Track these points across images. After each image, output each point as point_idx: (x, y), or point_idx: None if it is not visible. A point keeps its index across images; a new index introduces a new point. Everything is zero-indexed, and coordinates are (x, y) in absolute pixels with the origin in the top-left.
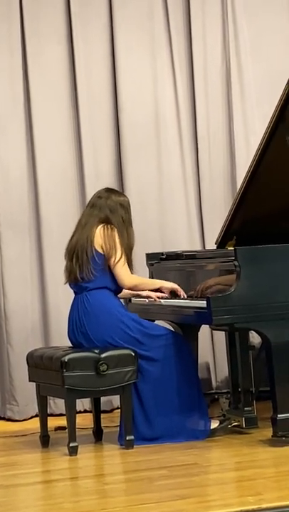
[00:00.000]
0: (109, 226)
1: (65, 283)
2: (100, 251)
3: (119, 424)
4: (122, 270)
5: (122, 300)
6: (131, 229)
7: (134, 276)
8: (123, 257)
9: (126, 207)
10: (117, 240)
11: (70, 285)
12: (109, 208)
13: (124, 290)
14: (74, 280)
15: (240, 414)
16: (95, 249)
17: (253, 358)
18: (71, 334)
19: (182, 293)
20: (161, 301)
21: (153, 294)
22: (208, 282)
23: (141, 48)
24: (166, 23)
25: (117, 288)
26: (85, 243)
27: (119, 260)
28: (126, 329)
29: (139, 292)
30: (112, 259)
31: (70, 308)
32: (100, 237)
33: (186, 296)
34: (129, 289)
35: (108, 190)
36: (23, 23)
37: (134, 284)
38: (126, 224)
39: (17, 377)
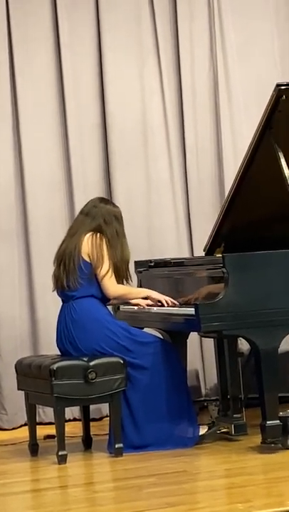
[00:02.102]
0: (97, 235)
1: (53, 290)
2: (87, 259)
3: (108, 432)
4: (107, 280)
5: (110, 308)
6: (125, 241)
7: (119, 287)
8: (109, 266)
9: (119, 218)
10: (105, 249)
11: (57, 292)
12: (104, 219)
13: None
14: (61, 287)
15: (229, 421)
16: (82, 258)
17: (241, 365)
18: (59, 343)
19: (169, 303)
20: (153, 308)
21: (142, 302)
22: (201, 292)
23: (128, 56)
24: (154, 30)
25: (103, 296)
26: (73, 251)
27: (105, 270)
28: (114, 337)
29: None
30: (99, 269)
31: (57, 317)
32: (87, 245)
33: (174, 304)
34: (115, 299)
35: (102, 199)
36: (10, 31)
37: (120, 294)
38: (120, 236)
39: (6, 385)
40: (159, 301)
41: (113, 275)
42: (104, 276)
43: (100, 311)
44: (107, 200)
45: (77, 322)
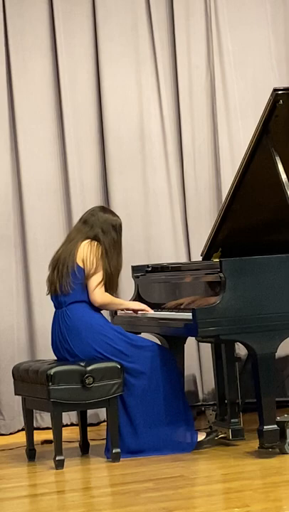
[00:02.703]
0: (94, 243)
1: (47, 294)
2: (81, 265)
3: (105, 437)
4: (98, 289)
5: (105, 312)
6: (120, 252)
7: (106, 295)
8: (101, 274)
9: (118, 229)
10: (99, 257)
11: (51, 297)
12: (102, 228)
13: None
14: (54, 292)
15: (226, 426)
16: (77, 263)
17: (239, 370)
18: (55, 350)
19: (149, 310)
20: (149, 312)
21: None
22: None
23: (125, 63)
24: (151, 37)
25: None
26: (68, 257)
27: (97, 279)
28: (109, 341)
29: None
30: (91, 276)
31: (51, 324)
32: (82, 251)
33: (151, 311)
34: (99, 306)
35: (102, 208)
36: (7, 38)
37: (106, 303)
38: (116, 246)
39: (3, 390)
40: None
41: (102, 282)
42: (95, 284)
43: (94, 316)
44: (106, 209)
45: (71, 329)
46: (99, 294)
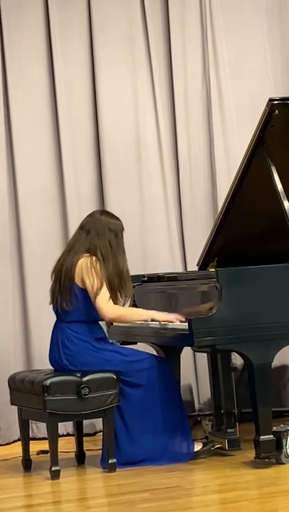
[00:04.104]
0: (92, 259)
1: (50, 303)
2: (80, 285)
3: (101, 447)
4: (102, 304)
5: (103, 324)
6: (120, 255)
7: (117, 307)
8: (104, 289)
9: (115, 231)
10: (99, 273)
11: (53, 308)
12: (97, 231)
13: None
14: (56, 303)
15: (222, 436)
16: (75, 283)
17: (235, 380)
18: (52, 360)
19: (181, 319)
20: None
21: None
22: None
23: (121, 72)
24: (147, 46)
25: (96, 318)
26: (68, 272)
27: (102, 295)
28: (107, 365)
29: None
30: (93, 293)
31: (51, 335)
32: (80, 271)
33: (182, 320)
34: (112, 321)
35: (102, 212)
36: (3, 46)
37: (117, 316)
38: (113, 249)
39: None
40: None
41: (108, 296)
42: (102, 302)
43: (90, 338)
44: (105, 212)
45: (69, 350)
46: (105, 309)
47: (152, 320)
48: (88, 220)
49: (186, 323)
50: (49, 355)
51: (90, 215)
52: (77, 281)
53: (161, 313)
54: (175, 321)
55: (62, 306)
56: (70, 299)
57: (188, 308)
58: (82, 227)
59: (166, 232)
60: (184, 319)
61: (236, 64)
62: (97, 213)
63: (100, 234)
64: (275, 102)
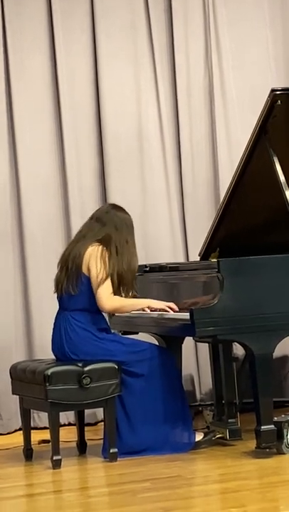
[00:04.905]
0: (101, 248)
1: (54, 292)
2: (86, 273)
3: (102, 437)
4: (103, 295)
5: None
6: (134, 250)
7: (115, 299)
8: (108, 281)
9: (130, 227)
10: (106, 263)
11: (56, 297)
12: (115, 225)
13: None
14: (61, 291)
15: (224, 426)
16: (82, 271)
17: (236, 370)
18: (56, 351)
19: (175, 308)
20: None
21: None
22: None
23: (124, 63)
24: (149, 37)
25: (99, 308)
26: (76, 258)
27: (102, 284)
28: (110, 355)
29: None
30: (96, 283)
31: (53, 324)
32: (88, 258)
33: (176, 310)
34: (110, 312)
35: (115, 206)
36: (5, 36)
37: (115, 307)
38: (129, 244)
39: (0, 390)
40: (162, 310)
41: (109, 287)
42: (102, 292)
43: (92, 327)
44: (119, 207)
45: (71, 339)
46: (103, 299)
47: (149, 307)
48: (103, 214)
49: (188, 313)
50: (52, 344)
51: (105, 209)
52: (84, 268)
53: (157, 301)
54: (169, 310)
55: (69, 290)
56: (76, 284)
57: (188, 299)
58: (97, 219)
59: (168, 222)
60: (177, 309)
61: (238, 54)
62: (112, 207)
63: (118, 228)
64: (278, 93)
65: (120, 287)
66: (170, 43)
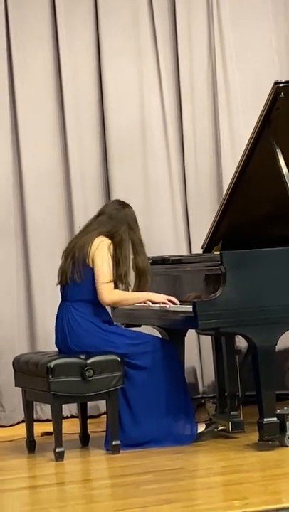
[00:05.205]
0: (109, 242)
1: (57, 284)
2: (91, 264)
3: (105, 429)
4: (105, 288)
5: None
6: (144, 251)
7: (115, 293)
8: (111, 275)
9: (137, 223)
10: (111, 257)
11: (60, 288)
12: (128, 223)
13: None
14: (65, 281)
15: (226, 418)
16: (88, 261)
17: (239, 363)
18: (59, 344)
19: (175, 302)
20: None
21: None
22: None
23: (127, 54)
24: (152, 27)
25: None
26: (83, 248)
27: (106, 278)
28: (112, 347)
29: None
30: (99, 275)
31: (56, 316)
32: (94, 249)
33: (175, 303)
34: (110, 305)
35: (122, 203)
36: (8, 31)
37: (116, 301)
38: (142, 244)
39: (3, 382)
40: (163, 303)
41: (110, 281)
42: (102, 284)
43: (95, 319)
44: (127, 204)
45: (73, 330)
46: (107, 294)
47: (149, 300)
48: (115, 211)
49: (190, 306)
50: (55, 336)
51: (114, 206)
52: (89, 259)
53: (157, 295)
54: (169, 303)
55: (74, 278)
56: (81, 273)
57: (191, 292)
58: (109, 215)
59: (171, 214)
60: (177, 302)
61: (242, 47)
62: (120, 205)
63: (132, 227)
64: (281, 85)
65: (128, 284)
66: (173, 35)
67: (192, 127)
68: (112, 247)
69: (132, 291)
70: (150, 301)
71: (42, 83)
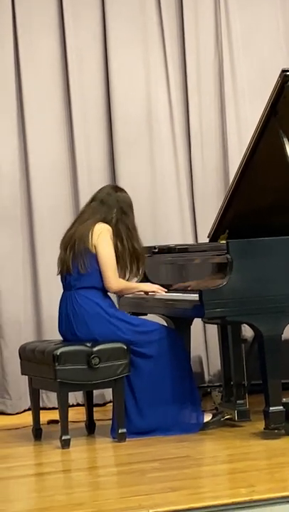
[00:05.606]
0: (107, 227)
1: (58, 274)
2: (93, 251)
3: (111, 417)
4: (109, 274)
5: (113, 296)
6: (138, 236)
7: (120, 281)
8: (114, 261)
9: (132, 208)
10: (113, 243)
11: (61, 278)
12: (121, 208)
13: None
14: (66, 271)
15: (232, 407)
16: (89, 249)
17: (245, 352)
18: (62, 331)
19: (162, 292)
20: (160, 293)
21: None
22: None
23: (133, 44)
24: (159, 18)
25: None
26: (82, 237)
27: (111, 264)
28: (117, 331)
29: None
30: (104, 262)
31: (59, 305)
32: (95, 236)
33: (165, 292)
34: (115, 292)
35: (116, 187)
36: (14, 18)
37: (121, 289)
38: (136, 229)
39: (10, 370)
40: (153, 291)
41: (116, 269)
42: (109, 271)
43: (101, 304)
44: (119, 188)
45: (78, 317)
46: (113, 282)
47: (140, 290)
48: (107, 196)
49: (196, 294)
50: (59, 325)
51: (106, 191)
52: (92, 247)
53: (146, 284)
54: (158, 291)
55: (77, 269)
56: (84, 263)
57: (196, 280)
58: (100, 200)
59: (177, 204)
60: (165, 290)
61: (248, 35)
62: (113, 189)
63: (126, 212)
64: (288, 73)
65: (131, 269)
66: (180, 25)
67: (199, 118)
68: (112, 234)
69: (128, 278)
70: (143, 291)
71: (49, 76)
